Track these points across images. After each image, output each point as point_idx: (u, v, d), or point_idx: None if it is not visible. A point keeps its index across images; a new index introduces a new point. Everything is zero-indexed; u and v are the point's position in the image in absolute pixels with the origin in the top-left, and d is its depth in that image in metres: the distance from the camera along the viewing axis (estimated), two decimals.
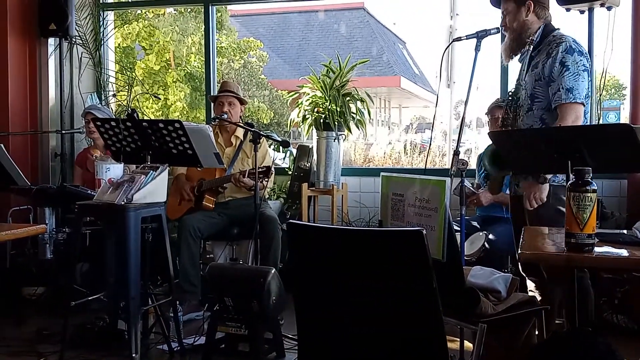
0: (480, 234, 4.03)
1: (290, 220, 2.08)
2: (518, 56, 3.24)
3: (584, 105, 2.98)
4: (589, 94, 3.06)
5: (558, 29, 3.15)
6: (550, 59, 2.99)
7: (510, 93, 3.27)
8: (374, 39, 19.44)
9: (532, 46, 3.10)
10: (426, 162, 4.98)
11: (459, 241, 3.02)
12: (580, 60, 2.97)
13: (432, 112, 3.55)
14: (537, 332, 2.69)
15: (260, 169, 3.91)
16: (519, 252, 2.12)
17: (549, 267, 2.93)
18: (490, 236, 3.97)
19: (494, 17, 3.30)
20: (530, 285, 3.23)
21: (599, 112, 4.70)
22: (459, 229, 3.27)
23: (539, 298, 3.02)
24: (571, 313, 2.98)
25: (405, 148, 11.59)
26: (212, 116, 4.77)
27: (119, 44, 10.72)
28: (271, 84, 15.59)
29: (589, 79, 3.04)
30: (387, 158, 11.10)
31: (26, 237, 4.09)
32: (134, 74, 7.33)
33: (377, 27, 20.29)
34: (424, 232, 1.78)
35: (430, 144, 4.02)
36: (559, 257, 2.08)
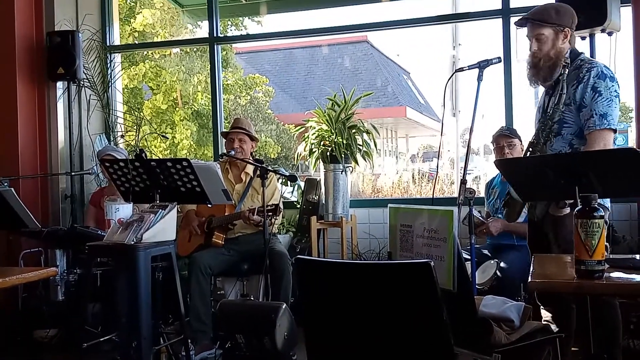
0: (492, 262, 4.00)
1: (299, 256, 2.08)
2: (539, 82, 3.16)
3: (615, 132, 2.90)
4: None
5: (582, 52, 3.12)
6: (582, 84, 2.94)
7: (542, 119, 3.10)
8: (378, 71, 19.60)
9: (565, 70, 2.97)
10: (433, 191, 4.99)
11: (469, 270, 2.99)
12: (612, 86, 2.92)
13: (439, 140, 3.53)
14: None
15: (269, 207, 3.93)
16: (529, 281, 2.10)
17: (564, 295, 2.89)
18: (502, 264, 3.93)
19: (495, 46, 3.34)
20: (545, 313, 3.19)
21: None
22: (469, 257, 3.25)
23: (553, 326, 2.98)
24: (588, 339, 2.94)
25: (413, 177, 11.62)
26: (220, 152, 4.81)
27: (127, 85, 10.90)
28: (278, 119, 15.72)
29: (619, 105, 2.97)
30: (396, 188, 11.12)
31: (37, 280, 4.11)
32: (141, 114, 7.40)
33: (381, 59, 20.47)
34: (432, 264, 1.77)
35: (437, 173, 4.01)
36: (569, 285, 2.06)
